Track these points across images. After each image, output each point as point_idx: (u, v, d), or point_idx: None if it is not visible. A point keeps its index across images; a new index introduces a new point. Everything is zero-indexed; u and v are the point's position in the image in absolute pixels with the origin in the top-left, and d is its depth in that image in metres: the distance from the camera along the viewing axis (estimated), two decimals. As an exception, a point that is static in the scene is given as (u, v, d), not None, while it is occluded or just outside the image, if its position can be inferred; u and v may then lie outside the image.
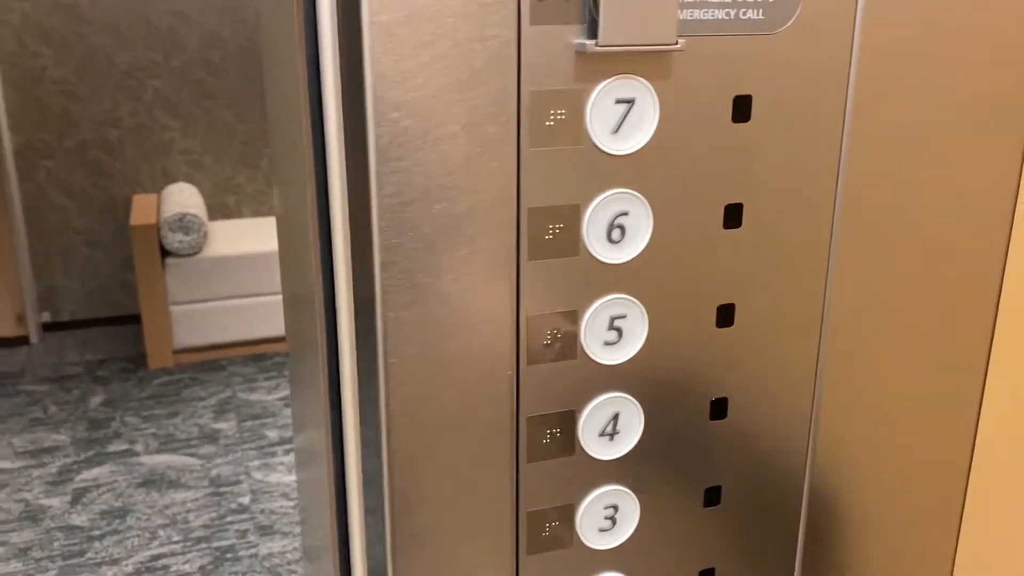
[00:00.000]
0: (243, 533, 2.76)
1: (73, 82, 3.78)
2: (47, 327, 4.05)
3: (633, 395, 0.63)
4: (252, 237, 3.90)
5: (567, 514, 0.65)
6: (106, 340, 4.00)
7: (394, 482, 0.59)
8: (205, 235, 3.72)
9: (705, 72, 0.58)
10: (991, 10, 0.64)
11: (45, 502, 2.88)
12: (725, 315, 0.64)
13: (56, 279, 4.00)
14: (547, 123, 0.56)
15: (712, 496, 0.68)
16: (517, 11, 0.53)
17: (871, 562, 0.76)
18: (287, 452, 3.28)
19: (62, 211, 3.93)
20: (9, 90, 3.73)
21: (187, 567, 2.59)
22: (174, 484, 3.01)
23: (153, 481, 3.00)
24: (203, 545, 2.69)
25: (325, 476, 0.77)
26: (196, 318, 3.73)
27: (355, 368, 0.62)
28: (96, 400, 3.51)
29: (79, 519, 2.81)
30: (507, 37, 0.53)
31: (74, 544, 2.69)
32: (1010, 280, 0.71)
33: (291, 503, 2.99)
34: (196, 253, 3.70)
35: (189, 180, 4.06)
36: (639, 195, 0.59)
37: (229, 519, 2.83)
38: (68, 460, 3.11)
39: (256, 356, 3.88)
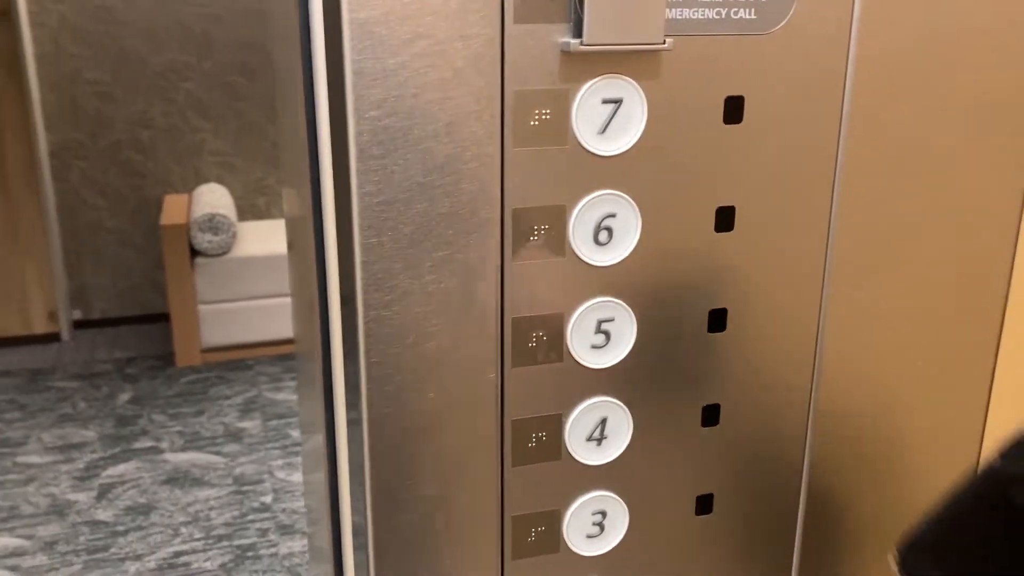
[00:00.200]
0: (264, 532, 2.78)
1: (107, 83, 3.84)
2: (78, 324, 4.11)
3: (621, 400, 0.62)
4: (280, 238, 3.94)
5: (554, 519, 0.64)
6: (136, 338, 4.05)
7: (376, 482, 0.59)
8: (234, 235, 3.76)
9: (695, 72, 0.57)
10: (991, 10, 0.62)
11: (72, 497, 2.92)
12: (717, 320, 0.63)
13: (88, 277, 4.06)
14: (532, 123, 0.55)
15: (704, 504, 0.67)
16: (501, 9, 0.53)
17: (871, 573, 0.74)
18: (310, 452, 3.28)
19: (95, 210, 3.99)
20: (45, 91, 3.80)
21: (208, 564, 2.61)
22: (198, 482, 3.03)
23: (177, 478, 3.03)
24: (224, 543, 2.71)
25: (322, 476, 0.77)
26: (224, 317, 3.77)
27: (343, 369, 0.62)
28: (124, 397, 3.55)
29: (104, 514, 2.85)
30: (490, 36, 0.53)
31: (99, 539, 2.73)
32: (1017, 287, 0.69)
33: (312, 503, 2.99)
34: (225, 253, 3.73)
35: (220, 181, 4.10)
36: (627, 197, 0.58)
37: (251, 518, 2.85)
38: (95, 456, 3.15)
39: (282, 356, 3.91)
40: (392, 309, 0.56)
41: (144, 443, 3.20)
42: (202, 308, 3.71)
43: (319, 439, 0.76)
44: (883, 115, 0.62)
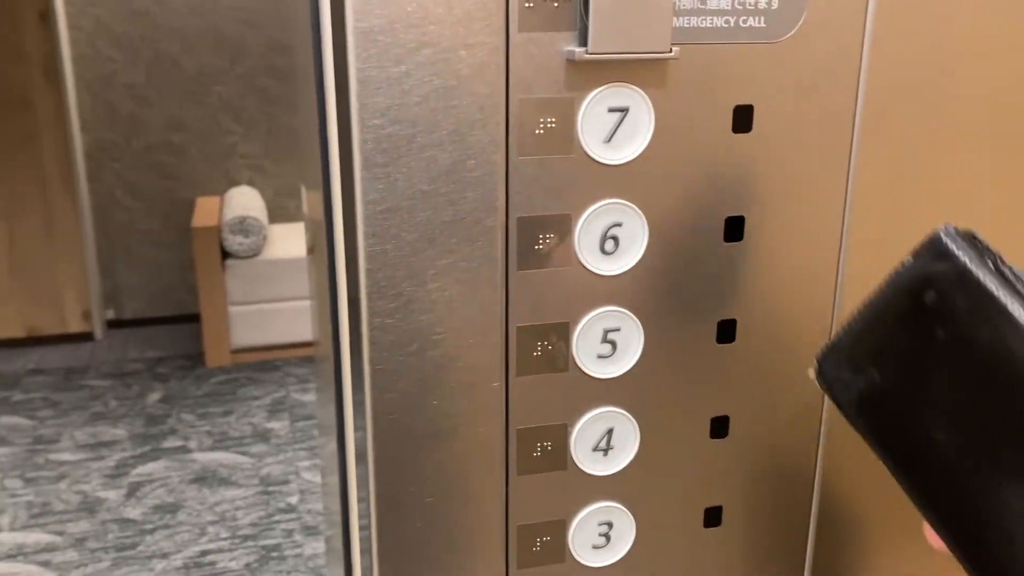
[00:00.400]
0: (289, 533, 2.80)
1: (142, 86, 3.89)
2: (111, 324, 4.17)
3: (628, 410, 0.62)
4: (309, 240, 3.96)
5: (559, 529, 0.63)
6: (167, 338, 4.10)
7: (379, 489, 0.59)
8: (264, 238, 3.79)
9: (703, 81, 0.57)
10: (1007, 18, 0.61)
11: (102, 494, 2.97)
12: (726, 331, 0.63)
13: (121, 278, 4.12)
14: (536, 131, 0.55)
15: (712, 516, 0.66)
16: (505, 18, 0.52)
17: (885, 591, 0.73)
18: (335, 454, 3.31)
19: (128, 212, 4.05)
20: (82, 93, 3.86)
21: (233, 564, 2.64)
22: (225, 481, 3.06)
23: (205, 478, 3.06)
24: (250, 543, 2.73)
25: (335, 480, 0.77)
26: (253, 318, 3.80)
27: (350, 378, 0.62)
28: (154, 396, 3.60)
29: (133, 512, 2.89)
30: (495, 44, 0.53)
31: (127, 537, 2.76)
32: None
33: (336, 504, 3.01)
34: (255, 255, 3.77)
35: (251, 184, 4.14)
36: (633, 206, 0.58)
37: (276, 518, 2.87)
38: (125, 454, 3.19)
39: (310, 357, 3.94)
40: (396, 316, 0.56)
41: (173, 442, 3.24)
42: (232, 309, 3.75)
43: (332, 442, 0.77)
44: (896, 124, 0.61)
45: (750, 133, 0.59)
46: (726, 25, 0.56)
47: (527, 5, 0.52)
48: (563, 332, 0.59)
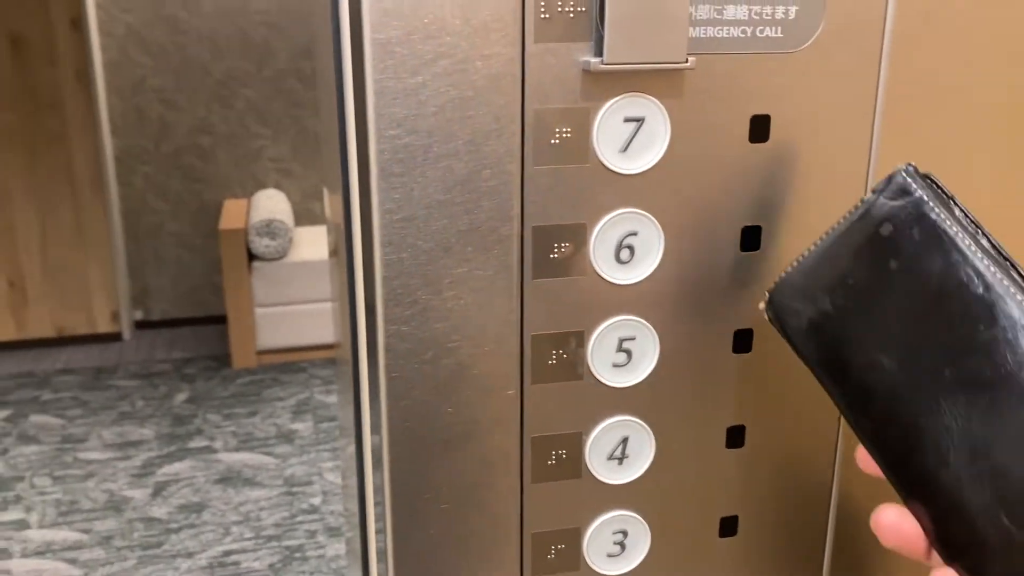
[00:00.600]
0: (312, 533, 2.81)
1: (171, 90, 3.94)
2: (139, 325, 4.22)
3: (643, 419, 0.62)
4: (335, 243, 3.98)
5: (574, 537, 0.64)
6: (194, 339, 4.14)
7: (395, 496, 0.60)
8: (291, 240, 3.82)
9: (720, 91, 0.57)
10: (1028, 28, 0.60)
11: (128, 493, 3.00)
12: (743, 340, 0.62)
13: (149, 279, 4.17)
14: (552, 141, 0.55)
15: (728, 526, 0.66)
16: (521, 29, 0.53)
17: (903, 603, 0.72)
18: (359, 456, 3.32)
19: (157, 214, 4.09)
20: (112, 97, 3.91)
21: (256, 564, 2.66)
22: (249, 482, 3.08)
23: (230, 478, 3.08)
24: (273, 543, 2.75)
25: (354, 483, 0.78)
26: (279, 320, 3.83)
27: (367, 384, 0.63)
28: (181, 397, 3.63)
29: (159, 511, 2.91)
30: (510, 55, 0.53)
31: (153, 535, 2.79)
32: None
33: (359, 506, 3.03)
34: (281, 257, 3.80)
35: (278, 187, 4.18)
36: (649, 215, 0.58)
37: (300, 519, 2.89)
38: (152, 454, 3.23)
39: (335, 359, 3.97)
40: (411, 324, 0.56)
41: (199, 443, 3.27)
42: (258, 311, 3.78)
43: (351, 445, 0.77)
44: (915, 134, 0.61)
45: (767, 143, 0.59)
46: (743, 35, 0.56)
47: (543, 16, 0.53)
48: (579, 341, 0.59)
